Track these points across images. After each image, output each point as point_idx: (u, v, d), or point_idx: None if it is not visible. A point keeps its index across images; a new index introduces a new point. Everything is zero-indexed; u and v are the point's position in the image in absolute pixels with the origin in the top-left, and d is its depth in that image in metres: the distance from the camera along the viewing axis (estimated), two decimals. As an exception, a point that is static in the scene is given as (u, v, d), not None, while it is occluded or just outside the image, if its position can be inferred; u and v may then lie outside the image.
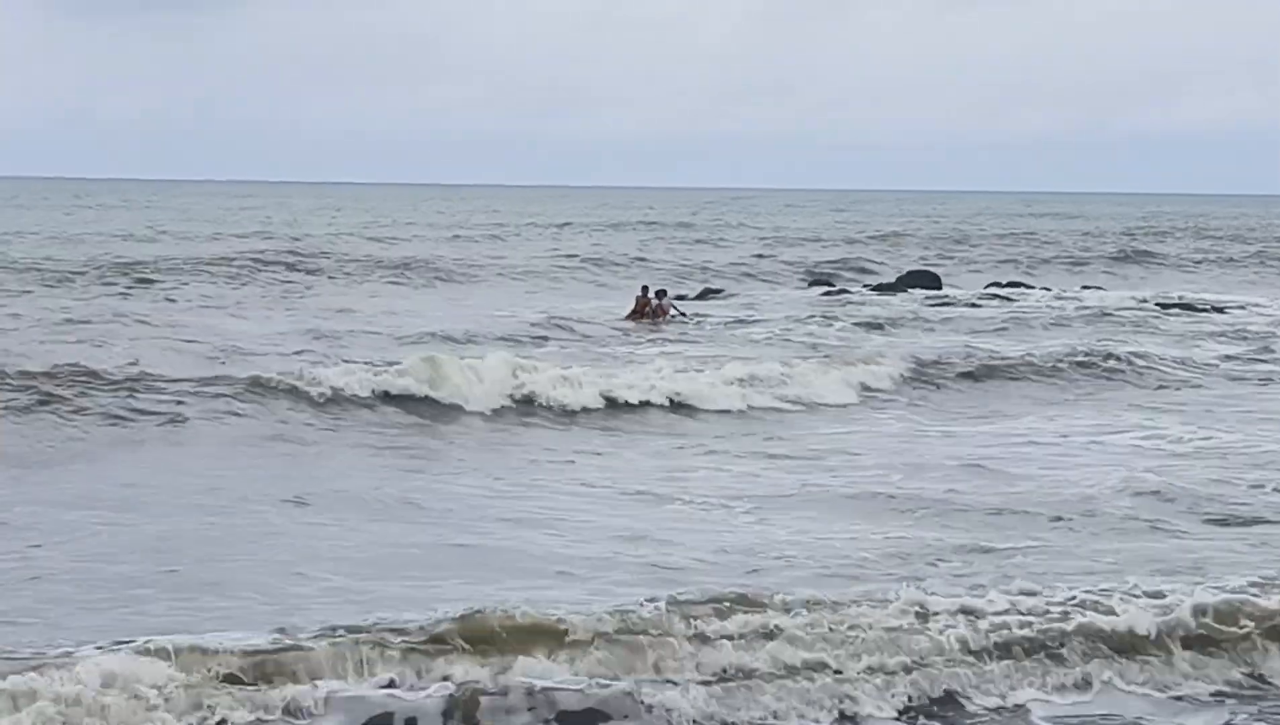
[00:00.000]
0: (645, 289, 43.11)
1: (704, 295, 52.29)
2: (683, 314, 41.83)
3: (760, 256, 72.77)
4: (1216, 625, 12.88)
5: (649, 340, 36.91)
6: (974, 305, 49.53)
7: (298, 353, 31.52)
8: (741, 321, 42.37)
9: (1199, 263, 78.57)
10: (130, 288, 47.64)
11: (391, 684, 11.00)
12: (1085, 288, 58.68)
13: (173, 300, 44.59)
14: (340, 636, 11.37)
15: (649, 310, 41.38)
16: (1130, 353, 33.71)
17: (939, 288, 55.92)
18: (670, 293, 45.06)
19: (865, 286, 56.88)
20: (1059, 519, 17.62)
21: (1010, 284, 58.11)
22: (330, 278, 54.93)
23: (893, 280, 58.49)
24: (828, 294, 53.73)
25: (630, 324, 40.32)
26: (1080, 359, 32.33)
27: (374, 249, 69.89)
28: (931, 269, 62.97)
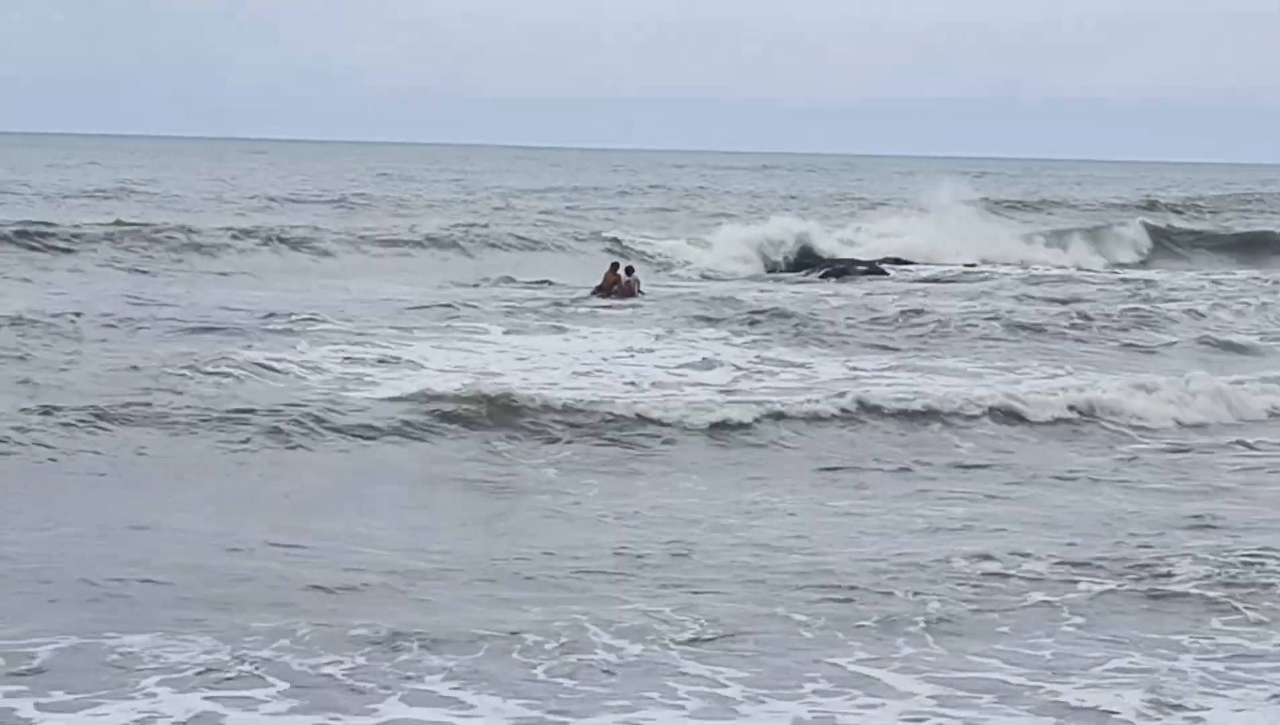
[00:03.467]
0: (615, 265, 42.98)
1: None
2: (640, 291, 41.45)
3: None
4: None
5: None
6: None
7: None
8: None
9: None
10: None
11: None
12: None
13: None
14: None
15: (617, 287, 41.21)
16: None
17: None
18: None
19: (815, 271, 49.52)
20: None
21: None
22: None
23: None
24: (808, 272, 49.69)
25: (601, 301, 40.12)
26: None
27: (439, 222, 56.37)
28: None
